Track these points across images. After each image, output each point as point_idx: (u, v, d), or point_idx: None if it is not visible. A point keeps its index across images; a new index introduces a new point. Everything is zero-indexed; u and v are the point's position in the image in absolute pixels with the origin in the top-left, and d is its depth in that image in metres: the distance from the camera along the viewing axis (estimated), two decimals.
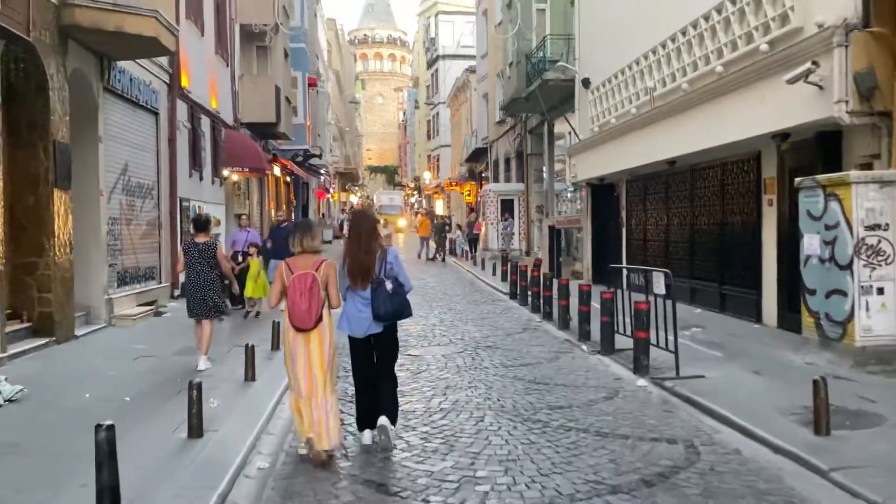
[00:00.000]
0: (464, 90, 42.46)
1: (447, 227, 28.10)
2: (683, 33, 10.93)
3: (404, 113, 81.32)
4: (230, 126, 17.53)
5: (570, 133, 19.18)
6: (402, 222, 50.55)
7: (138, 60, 11.33)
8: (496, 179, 28.81)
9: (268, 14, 19.25)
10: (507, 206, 25.17)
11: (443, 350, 9.07)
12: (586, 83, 15.99)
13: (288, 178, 28.87)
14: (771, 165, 9.65)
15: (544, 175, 21.74)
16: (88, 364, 7.70)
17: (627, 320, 8.32)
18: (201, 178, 14.90)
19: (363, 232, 5.09)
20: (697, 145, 10.53)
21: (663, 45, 11.76)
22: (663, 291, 7.51)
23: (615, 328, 8.61)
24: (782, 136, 8.67)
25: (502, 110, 22.76)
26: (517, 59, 19.00)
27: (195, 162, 14.64)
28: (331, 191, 50.20)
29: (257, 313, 11.22)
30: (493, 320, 11.71)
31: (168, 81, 12.94)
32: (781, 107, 8.20)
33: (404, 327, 10.52)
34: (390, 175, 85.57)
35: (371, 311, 4.97)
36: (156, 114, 12.50)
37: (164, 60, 12.66)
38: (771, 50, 8.50)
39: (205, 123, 15.29)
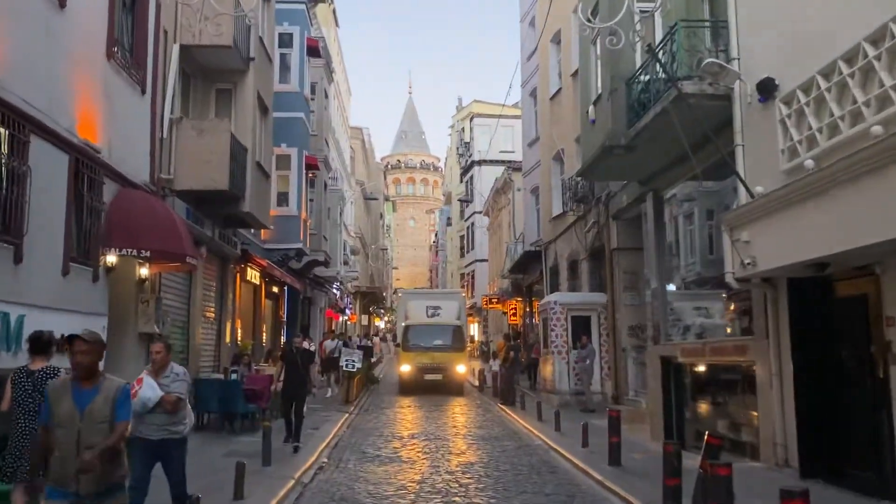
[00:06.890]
0: (504, 191, 35.88)
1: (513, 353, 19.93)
2: None
3: (436, 234, 76.27)
4: (138, 186, 10.30)
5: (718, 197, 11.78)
6: (461, 368, 22.06)
7: None
8: (555, 290, 20.88)
9: (222, 34, 12.57)
10: (580, 326, 17.10)
11: None
12: (766, 88, 8.54)
13: (275, 289, 21.41)
14: None
15: (650, 277, 13.84)
16: None
17: None
18: (19, 260, 7.40)
19: None
20: None
21: None
22: None
23: None
24: None
25: (580, 177, 15.23)
26: (613, 86, 11.72)
27: (3, 226, 7.23)
28: (347, 312, 42.22)
29: None
30: None
31: None
32: None
33: None
34: None
35: None
36: None
37: None
38: None
39: (48, 159, 8.02)
